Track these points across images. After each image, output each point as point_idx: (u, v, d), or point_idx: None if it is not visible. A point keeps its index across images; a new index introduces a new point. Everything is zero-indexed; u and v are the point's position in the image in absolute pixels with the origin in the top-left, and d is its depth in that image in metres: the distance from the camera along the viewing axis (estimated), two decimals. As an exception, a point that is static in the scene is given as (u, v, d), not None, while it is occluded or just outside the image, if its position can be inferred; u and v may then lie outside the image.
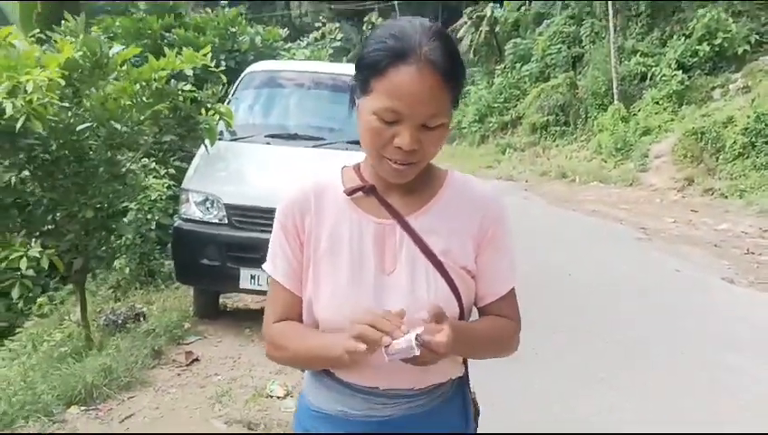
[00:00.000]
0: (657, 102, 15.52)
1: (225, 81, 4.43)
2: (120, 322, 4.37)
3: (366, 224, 1.28)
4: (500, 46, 22.23)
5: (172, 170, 5.26)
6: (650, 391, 3.78)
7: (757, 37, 15.42)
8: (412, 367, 1.16)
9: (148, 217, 5.03)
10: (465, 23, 23.42)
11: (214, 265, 4.07)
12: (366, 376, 1.27)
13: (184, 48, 4.68)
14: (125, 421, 3.08)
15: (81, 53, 3.53)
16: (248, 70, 5.23)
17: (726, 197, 11.91)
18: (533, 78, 19.71)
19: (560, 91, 17.88)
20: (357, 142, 3.99)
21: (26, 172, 3.89)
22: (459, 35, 23.56)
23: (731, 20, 15.45)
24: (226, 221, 4.11)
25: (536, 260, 6.65)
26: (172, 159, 5.00)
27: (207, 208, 4.13)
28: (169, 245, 4.85)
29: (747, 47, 15.28)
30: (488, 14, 22.12)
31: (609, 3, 16.87)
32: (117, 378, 3.41)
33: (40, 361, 3.66)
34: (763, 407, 3.62)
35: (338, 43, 15.00)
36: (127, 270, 5.32)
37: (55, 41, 3.92)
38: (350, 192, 1.29)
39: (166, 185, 5.21)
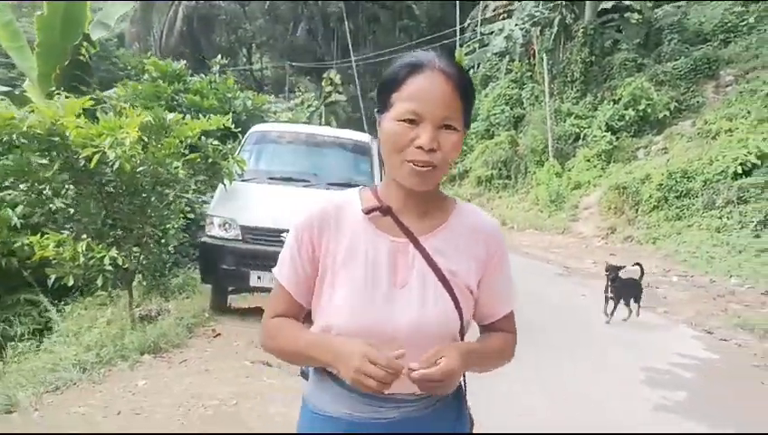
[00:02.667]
0: (589, 160, 17.85)
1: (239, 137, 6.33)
2: (152, 315, 6.07)
3: (382, 241, 1.43)
4: (450, 105, 24.58)
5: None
6: (554, 380, 5.66)
7: (676, 104, 18.05)
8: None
9: (162, 240, 6.75)
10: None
11: (231, 268, 5.88)
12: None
13: (190, 108, 6.55)
14: (182, 363, 4.81)
15: (149, 118, 5.35)
16: (252, 129, 7.16)
17: (641, 243, 14.13)
18: (479, 135, 22.03)
19: (502, 148, 20.18)
20: (335, 184, 5.91)
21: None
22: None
23: (653, 89, 18.01)
24: (240, 238, 5.94)
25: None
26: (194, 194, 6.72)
27: (226, 229, 5.95)
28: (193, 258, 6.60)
29: (667, 113, 17.84)
30: (439, 75, 24.53)
31: (545, 69, 19.38)
32: (170, 340, 5.14)
33: (102, 334, 5.29)
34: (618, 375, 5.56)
35: (313, 108, 17.06)
36: (144, 283, 7.00)
37: (124, 107, 5.75)
38: (369, 211, 1.44)
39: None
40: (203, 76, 10.52)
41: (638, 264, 8.06)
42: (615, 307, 7.44)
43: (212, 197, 6.61)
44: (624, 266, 7.59)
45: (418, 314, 1.40)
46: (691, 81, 18.43)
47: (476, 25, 28.16)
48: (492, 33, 24.07)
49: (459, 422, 1.58)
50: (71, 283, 5.00)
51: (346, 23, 31.99)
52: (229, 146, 5.93)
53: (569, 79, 20.54)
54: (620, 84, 18.61)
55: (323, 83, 30.47)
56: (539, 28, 21.83)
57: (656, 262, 12.42)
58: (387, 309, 1.40)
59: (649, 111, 17.77)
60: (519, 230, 16.45)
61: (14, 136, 5.28)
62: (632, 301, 7.61)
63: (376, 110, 1.43)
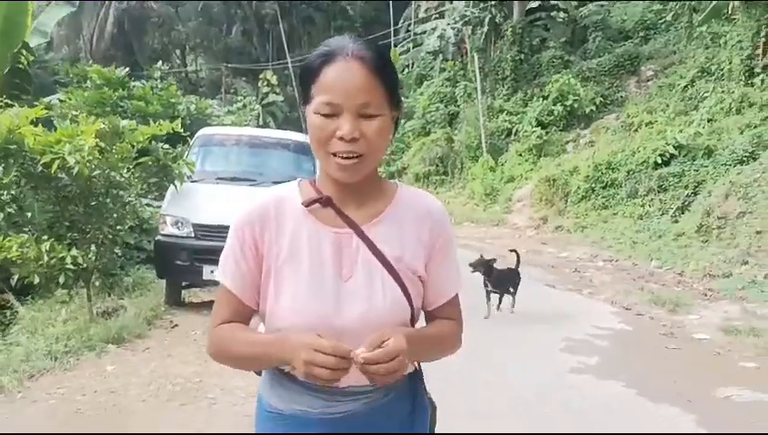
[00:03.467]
0: (521, 154, 18.81)
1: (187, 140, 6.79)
2: (109, 311, 6.46)
3: (324, 234, 1.41)
4: (387, 104, 25.33)
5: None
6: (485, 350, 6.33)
7: (602, 99, 19.18)
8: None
9: (117, 240, 7.12)
10: (354, 82, 26.50)
11: (185, 264, 6.34)
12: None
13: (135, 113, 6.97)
14: (145, 351, 5.27)
15: (104, 125, 5.76)
16: (199, 133, 7.62)
17: (571, 232, 15.08)
18: (416, 133, 22.82)
19: (439, 145, 21.01)
20: (280, 182, 6.42)
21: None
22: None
23: (579, 85, 19.07)
24: (193, 235, 6.39)
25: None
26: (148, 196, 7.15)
27: (179, 226, 6.40)
28: (138, 260, 7.02)
29: (593, 107, 18.95)
30: (374, 75, 25.25)
31: (476, 67, 20.27)
32: (131, 331, 5.58)
33: (66, 328, 5.67)
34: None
35: (256, 111, 17.46)
36: (97, 282, 7.36)
37: (75, 115, 6.13)
38: (308, 204, 1.41)
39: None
40: (144, 82, 10.88)
41: (513, 250, 8.04)
42: (501, 298, 7.46)
43: (153, 199, 7.03)
44: (495, 259, 7.37)
45: (367, 305, 1.39)
46: (615, 76, 19.60)
47: (410, 25, 28.99)
48: (425, 32, 24.87)
49: (417, 410, 1.56)
50: (35, 281, 5.38)
51: (281, 24, 32.41)
52: (179, 149, 6.39)
53: (500, 76, 21.52)
54: (549, 81, 19.58)
55: (260, 84, 30.76)
56: (470, 27, 22.74)
57: (584, 248, 13.35)
58: (334, 304, 1.38)
59: (576, 106, 18.81)
60: (456, 224, 17.20)
61: (-29, 145, 5.60)
62: (510, 289, 7.53)
63: (300, 102, 1.42)
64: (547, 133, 18.87)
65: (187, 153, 7.10)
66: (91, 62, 30.72)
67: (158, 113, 9.07)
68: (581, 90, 19.00)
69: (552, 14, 22.26)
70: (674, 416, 4.36)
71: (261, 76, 31.13)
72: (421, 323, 1.55)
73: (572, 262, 12.05)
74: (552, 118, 18.95)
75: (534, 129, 18.84)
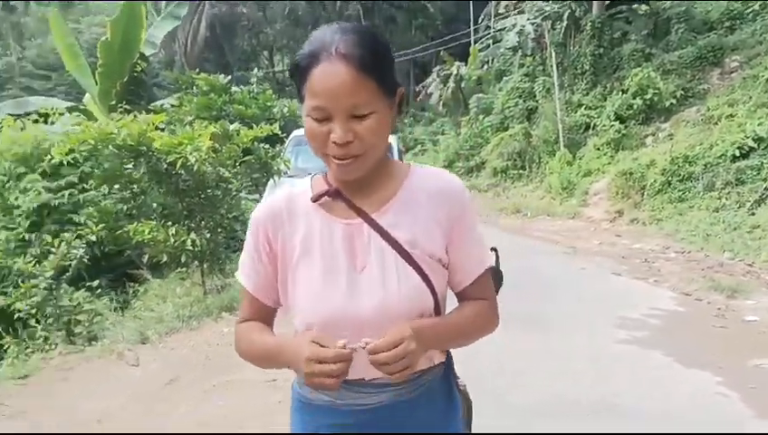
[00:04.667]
0: (598, 148, 19.13)
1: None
2: (218, 287, 7.63)
3: (335, 226, 1.42)
4: (465, 100, 26.04)
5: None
6: (556, 350, 7.09)
7: (683, 92, 19.23)
8: None
9: (226, 227, 8.30)
10: (434, 80, 27.37)
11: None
12: (351, 368, 1.33)
13: (236, 116, 8.12)
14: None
15: (216, 129, 6.90)
16: (293, 134, 8.77)
17: (646, 225, 15.41)
18: (494, 128, 23.42)
19: (516, 140, 21.55)
20: None
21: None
22: (429, 90, 27.49)
23: (659, 78, 19.19)
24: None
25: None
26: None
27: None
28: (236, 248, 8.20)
29: (674, 101, 19.04)
30: (455, 72, 26.03)
31: (554, 62, 20.71)
32: (239, 303, 6.71)
33: (185, 299, 6.84)
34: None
35: None
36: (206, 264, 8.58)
37: (191, 119, 7.31)
38: (316, 198, 1.43)
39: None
40: (242, 88, 12.25)
41: (493, 248, 8.30)
42: None
43: (247, 193, 8.17)
44: None
45: (383, 295, 1.37)
46: (697, 68, 19.52)
47: (490, 22, 29.53)
48: (504, 29, 25.37)
49: (449, 404, 1.56)
50: (163, 259, 6.58)
51: (363, 23, 33.62)
52: (277, 148, 7.49)
53: (579, 71, 21.80)
54: (628, 75, 19.71)
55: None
56: (550, 22, 23.10)
57: (657, 240, 13.72)
58: (351, 296, 1.38)
59: (656, 99, 18.85)
60: (532, 217, 17.82)
61: (110, 146, 6.87)
62: None
63: (298, 98, 1.39)
64: (626, 127, 19.05)
65: (283, 152, 8.20)
66: (185, 65, 32.89)
67: (256, 116, 10.31)
68: (662, 83, 19.06)
69: (634, 6, 22.32)
70: (701, 379, 5.05)
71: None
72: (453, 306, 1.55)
73: (644, 253, 12.48)
74: (630, 112, 19.09)
75: (613, 123, 19.03)
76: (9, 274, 7.68)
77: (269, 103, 11.37)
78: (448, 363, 1.58)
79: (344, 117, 1.28)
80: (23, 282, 6.65)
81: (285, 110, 11.48)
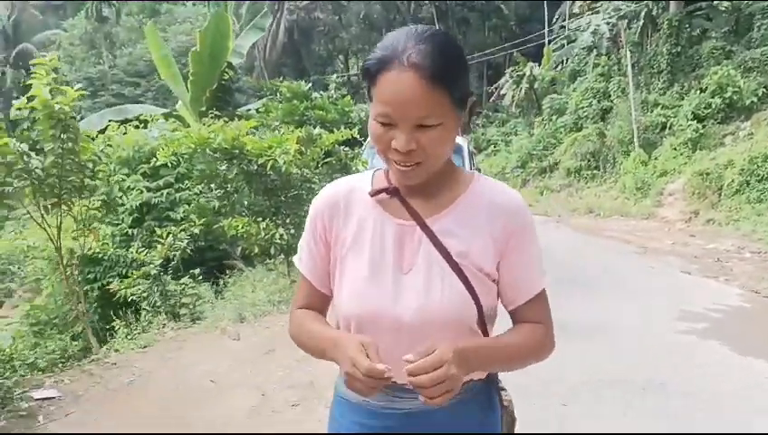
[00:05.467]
0: (675, 148, 19.05)
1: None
2: (302, 279, 8.40)
3: (388, 224, 1.42)
4: (539, 101, 26.27)
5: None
6: (625, 342, 7.51)
7: (765, 90, 18.93)
8: None
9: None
10: (507, 80, 27.70)
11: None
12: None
13: (317, 121, 8.88)
14: (334, 305, 7.09)
15: (302, 133, 7.65)
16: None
17: (722, 225, 15.37)
18: (568, 128, 23.56)
19: (590, 140, 21.66)
20: None
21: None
22: (502, 91, 27.82)
23: (740, 76, 18.95)
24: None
25: (557, 260, 10.32)
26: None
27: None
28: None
29: (755, 99, 18.78)
30: (528, 72, 26.29)
31: (629, 62, 20.71)
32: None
33: (274, 286, 7.61)
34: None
35: None
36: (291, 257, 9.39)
37: (278, 124, 8.10)
38: (375, 193, 1.43)
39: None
40: (321, 94, 13.12)
41: None
42: None
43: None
44: None
45: (423, 300, 1.37)
46: (781, 65, 19.24)
47: (564, 21, 29.58)
48: (579, 28, 25.45)
49: (488, 418, 1.53)
50: (255, 251, 7.37)
51: (437, 26, 34.18)
52: (355, 151, 8.22)
53: (655, 70, 21.72)
54: (707, 73, 19.59)
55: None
56: (625, 21, 23.07)
57: (732, 240, 13.72)
58: (392, 296, 1.38)
59: (736, 98, 18.67)
60: (605, 217, 17.98)
61: (207, 150, 7.71)
62: None
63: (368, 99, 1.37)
64: (704, 127, 18.90)
65: (361, 153, 8.90)
66: (263, 70, 34.32)
67: (335, 120, 11.10)
68: (742, 81, 18.83)
69: (715, 3, 22.04)
70: (753, 365, 5.41)
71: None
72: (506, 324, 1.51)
73: (718, 253, 12.54)
74: (709, 111, 18.94)
75: (690, 122, 18.94)
76: (115, 264, 8.66)
77: (347, 109, 12.18)
78: (492, 377, 1.55)
79: (410, 126, 1.26)
80: (129, 271, 7.59)
81: (363, 114, 12.22)
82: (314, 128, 8.12)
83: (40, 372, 4.76)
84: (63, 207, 5.59)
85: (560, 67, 27.28)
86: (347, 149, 8.20)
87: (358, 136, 8.36)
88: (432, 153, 1.30)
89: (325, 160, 8.11)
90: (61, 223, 5.80)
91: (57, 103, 5.15)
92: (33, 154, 4.88)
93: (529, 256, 1.45)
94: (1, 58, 33.73)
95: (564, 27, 29.24)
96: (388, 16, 37.27)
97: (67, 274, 6.52)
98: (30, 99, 5.31)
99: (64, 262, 6.58)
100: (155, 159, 8.27)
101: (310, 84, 13.09)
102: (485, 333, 1.45)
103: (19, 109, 5.22)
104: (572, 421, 4.21)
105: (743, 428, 4.16)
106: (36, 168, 4.90)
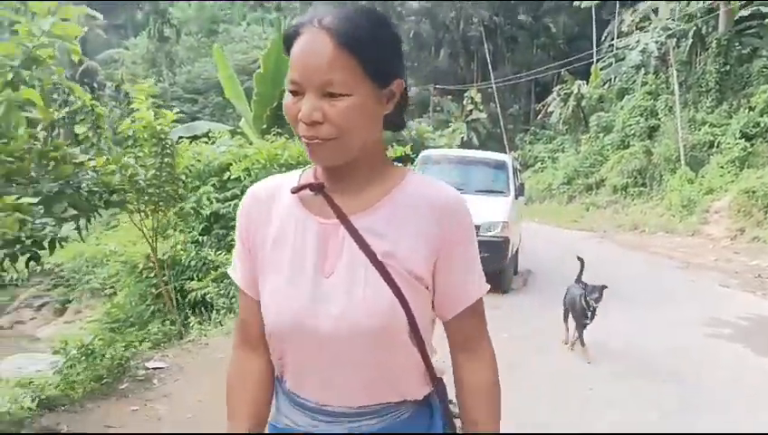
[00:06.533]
0: (722, 166, 19.32)
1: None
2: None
3: (310, 224, 1.28)
4: (586, 118, 26.73)
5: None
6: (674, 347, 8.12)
7: (818, 108, 19.09)
8: (355, 382, 1.24)
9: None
10: (555, 98, 28.26)
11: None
12: (307, 389, 1.28)
13: None
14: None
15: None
16: (422, 154, 10.33)
17: (767, 242, 15.71)
18: (615, 146, 24.00)
19: (637, 157, 22.07)
20: (480, 191, 8.91)
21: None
22: (550, 109, 28.38)
23: (791, 94, 19.16)
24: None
25: (599, 274, 10.96)
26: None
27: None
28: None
29: (808, 117, 18.97)
30: (575, 90, 26.81)
31: (676, 80, 21.10)
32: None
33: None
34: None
35: (462, 136, 20.26)
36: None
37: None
38: (296, 190, 1.29)
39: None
40: None
41: (579, 259, 6.78)
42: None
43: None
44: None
45: (344, 307, 1.22)
46: (836, 83, 19.35)
47: (613, 40, 30.02)
48: (627, 47, 25.89)
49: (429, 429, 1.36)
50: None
51: (485, 45, 35.03)
52: (409, 166, 9.01)
53: (704, 88, 22.05)
54: (757, 91, 19.85)
55: (465, 102, 33.63)
56: (674, 40, 23.43)
57: (777, 257, 14.08)
58: (311, 303, 1.23)
59: (787, 116, 18.98)
60: (650, 234, 18.39)
61: (275, 165, 8.60)
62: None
63: None
64: (752, 145, 19.14)
65: (413, 169, 9.71)
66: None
67: (388, 138, 11.91)
68: (793, 99, 19.06)
69: (766, 21, 22.25)
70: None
71: (466, 94, 34.04)
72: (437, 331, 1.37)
73: (760, 269, 12.89)
74: (757, 130, 19.18)
75: (738, 141, 19.21)
76: (187, 268, 9.60)
77: (400, 127, 13.07)
78: (436, 393, 1.36)
79: (315, 94, 1.15)
80: (199, 275, 8.48)
81: (414, 133, 13.08)
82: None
83: (148, 350, 5.69)
84: (159, 213, 6.51)
85: (607, 85, 27.70)
86: (399, 164, 8.97)
87: (410, 152, 9.15)
88: (343, 127, 1.16)
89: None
90: (157, 227, 6.73)
91: (158, 124, 6.12)
92: (138, 168, 5.80)
93: (465, 261, 1.31)
94: (68, 75, 35.69)
95: (613, 46, 29.68)
96: (437, 35, 38.20)
97: (150, 275, 7.40)
98: (133, 120, 6.31)
99: (145, 265, 7.47)
100: (227, 172, 9.20)
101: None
102: (421, 348, 1.28)
103: (126, 128, 6.20)
104: (596, 405, 4.90)
105: (746, 416, 4.81)
106: (140, 179, 5.82)
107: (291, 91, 1.19)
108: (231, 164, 9.63)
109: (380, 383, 1.27)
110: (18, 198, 3.40)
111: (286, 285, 1.27)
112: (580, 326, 6.04)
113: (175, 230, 10.10)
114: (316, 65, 1.15)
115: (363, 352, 1.23)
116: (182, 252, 9.77)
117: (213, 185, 10.49)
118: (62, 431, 3.72)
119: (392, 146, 9.21)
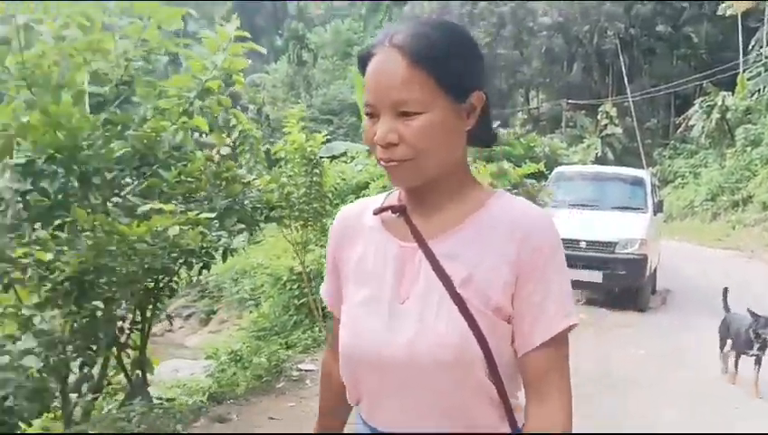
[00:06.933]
0: None
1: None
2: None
3: (390, 246, 1.26)
4: (731, 131, 25.32)
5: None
6: None
7: None
8: (424, 414, 1.20)
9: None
10: (697, 111, 27.01)
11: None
12: (378, 417, 1.27)
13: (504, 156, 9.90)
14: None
15: (495, 169, 8.72)
16: (555, 170, 10.45)
17: None
18: (764, 160, 22.58)
19: (789, 172, 20.70)
20: (616, 208, 8.89)
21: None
22: (691, 123, 27.17)
23: None
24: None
25: (744, 296, 9.90)
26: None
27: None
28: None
29: None
30: (719, 102, 25.49)
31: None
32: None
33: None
34: None
35: (596, 151, 19.95)
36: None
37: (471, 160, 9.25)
38: (378, 211, 1.29)
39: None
40: (508, 130, 14.32)
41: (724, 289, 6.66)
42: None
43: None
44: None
45: (414, 334, 1.18)
46: None
47: (761, 49, 28.32)
48: (778, 55, 24.39)
49: None
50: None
51: (621, 57, 34.10)
52: (542, 183, 9.18)
53: None
54: None
55: (599, 117, 32.83)
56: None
57: None
58: (385, 329, 1.20)
59: None
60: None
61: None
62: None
63: None
64: None
65: (546, 185, 9.82)
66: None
67: (521, 155, 12.12)
68: None
69: None
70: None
71: (600, 109, 33.21)
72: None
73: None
74: None
75: None
76: (317, 276, 10.18)
77: (532, 144, 13.19)
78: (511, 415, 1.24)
79: (389, 115, 1.14)
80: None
81: (547, 149, 13.21)
82: (501, 162, 9.16)
83: (299, 354, 6.25)
84: (307, 228, 7.06)
85: (755, 96, 26.08)
86: (533, 181, 9.15)
87: (544, 169, 9.28)
88: (419, 147, 1.14)
89: (513, 192, 9.12)
90: (304, 242, 7.29)
91: (309, 146, 6.69)
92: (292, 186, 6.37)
93: (543, 288, 1.18)
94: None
95: (761, 54, 27.99)
96: (569, 49, 37.61)
97: (293, 287, 7.94)
98: (285, 142, 6.93)
99: (288, 277, 7.97)
100: (365, 190, 9.72)
101: (498, 123, 14.19)
102: (499, 386, 1.19)
103: (279, 149, 6.83)
104: (740, 426, 4.82)
105: None
106: (293, 197, 6.39)
107: (366, 114, 1.19)
108: (369, 182, 10.15)
109: (451, 418, 1.20)
110: (198, 214, 3.91)
111: (363, 307, 1.26)
112: (741, 357, 5.86)
113: (316, 245, 10.75)
114: (388, 85, 1.14)
115: (432, 383, 1.17)
116: (321, 266, 10.40)
117: (351, 202, 11.09)
118: (232, 419, 4.21)
119: (525, 163, 9.35)
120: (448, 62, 1.14)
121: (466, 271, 1.18)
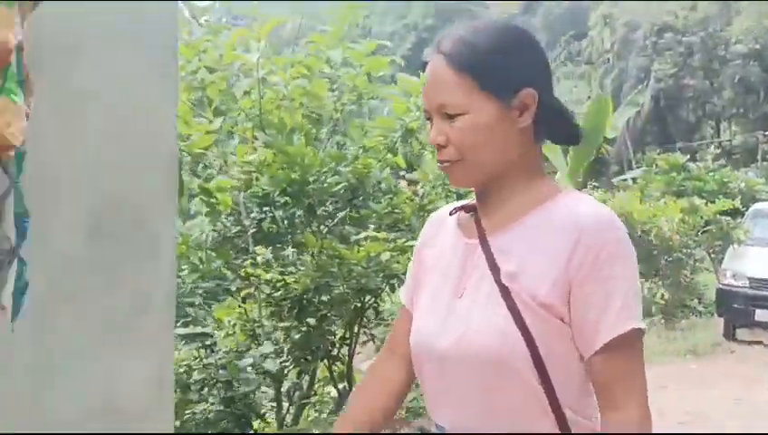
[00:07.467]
0: None
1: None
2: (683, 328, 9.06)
3: (458, 244, 1.29)
4: None
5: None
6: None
7: None
8: (474, 410, 1.19)
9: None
10: None
11: (740, 308, 8.54)
12: (437, 413, 1.28)
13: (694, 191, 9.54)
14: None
15: (685, 205, 8.47)
16: (753, 207, 9.96)
17: None
18: None
19: None
20: None
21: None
22: None
23: None
24: (747, 285, 8.56)
25: None
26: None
27: (736, 278, 8.66)
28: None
29: None
30: None
31: None
32: (702, 349, 8.07)
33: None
34: None
35: None
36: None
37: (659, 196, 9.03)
38: (453, 211, 1.33)
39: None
40: (698, 165, 13.84)
41: None
42: None
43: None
44: None
45: (464, 328, 1.18)
46: None
47: None
48: None
49: None
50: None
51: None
52: (738, 220, 8.81)
53: None
54: None
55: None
56: None
57: None
58: (442, 323, 1.22)
59: None
60: None
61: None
62: None
63: None
64: None
65: (743, 222, 9.36)
66: (626, 138, 34.90)
67: (714, 191, 11.64)
68: None
69: None
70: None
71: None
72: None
73: None
74: None
75: None
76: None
77: (725, 179, 12.62)
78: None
79: (438, 118, 1.19)
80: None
81: (742, 184, 12.56)
82: (692, 197, 8.91)
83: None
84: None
85: None
86: (728, 218, 8.79)
87: (740, 205, 8.88)
88: (465, 147, 1.17)
89: (705, 229, 8.80)
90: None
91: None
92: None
93: (608, 290, 1.12)
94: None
95: None
96: (767, 78, 34.94)
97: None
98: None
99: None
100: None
101: (687, 157, 13.64)
102: (548, 386, 1.14)
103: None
104: None
105: None
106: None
107: (426, 119, 1.25)
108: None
109: (496, 415, 1.16)
110: (405, 242, 4.30)
111: (428, 304, 1.28)
112: None
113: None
114: (433, 89, 1.20)
115: (479, 377, 1.16)
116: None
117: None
118: (430, 431, 4.51)
119: (718, 198, 9.00)
120: (490, 64, 1.17)
121: (514, 266, 1.16)
